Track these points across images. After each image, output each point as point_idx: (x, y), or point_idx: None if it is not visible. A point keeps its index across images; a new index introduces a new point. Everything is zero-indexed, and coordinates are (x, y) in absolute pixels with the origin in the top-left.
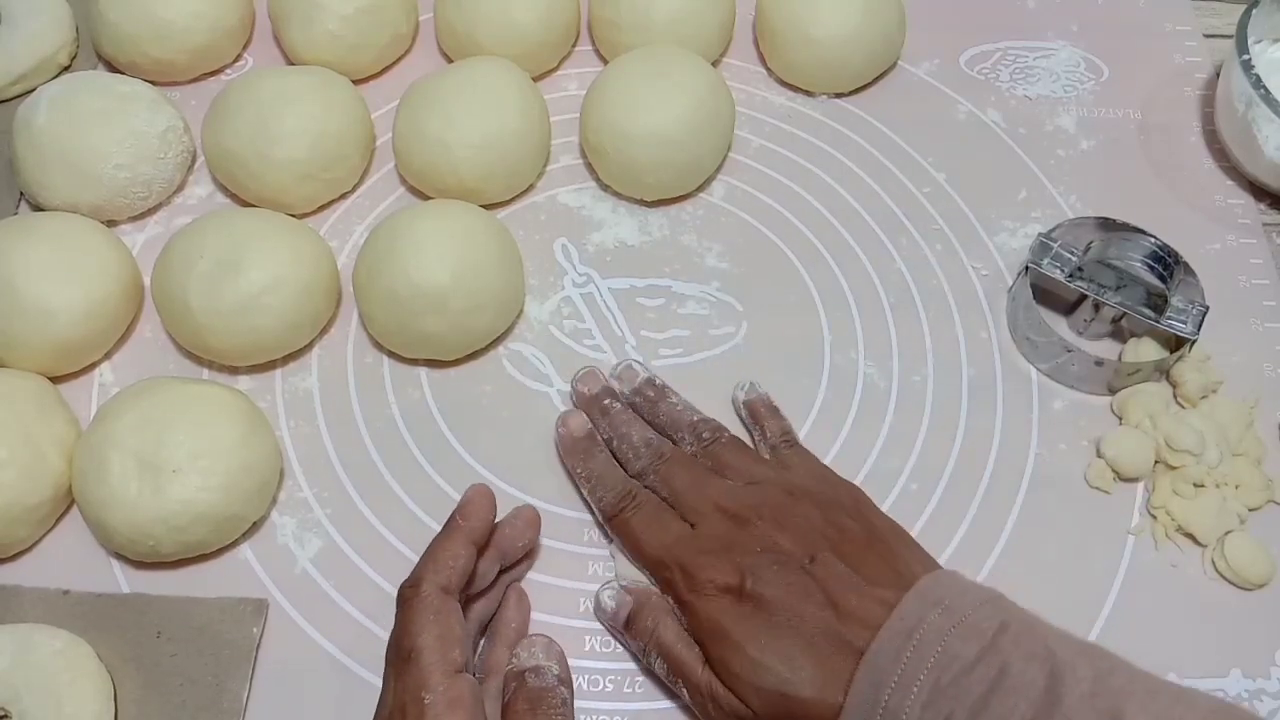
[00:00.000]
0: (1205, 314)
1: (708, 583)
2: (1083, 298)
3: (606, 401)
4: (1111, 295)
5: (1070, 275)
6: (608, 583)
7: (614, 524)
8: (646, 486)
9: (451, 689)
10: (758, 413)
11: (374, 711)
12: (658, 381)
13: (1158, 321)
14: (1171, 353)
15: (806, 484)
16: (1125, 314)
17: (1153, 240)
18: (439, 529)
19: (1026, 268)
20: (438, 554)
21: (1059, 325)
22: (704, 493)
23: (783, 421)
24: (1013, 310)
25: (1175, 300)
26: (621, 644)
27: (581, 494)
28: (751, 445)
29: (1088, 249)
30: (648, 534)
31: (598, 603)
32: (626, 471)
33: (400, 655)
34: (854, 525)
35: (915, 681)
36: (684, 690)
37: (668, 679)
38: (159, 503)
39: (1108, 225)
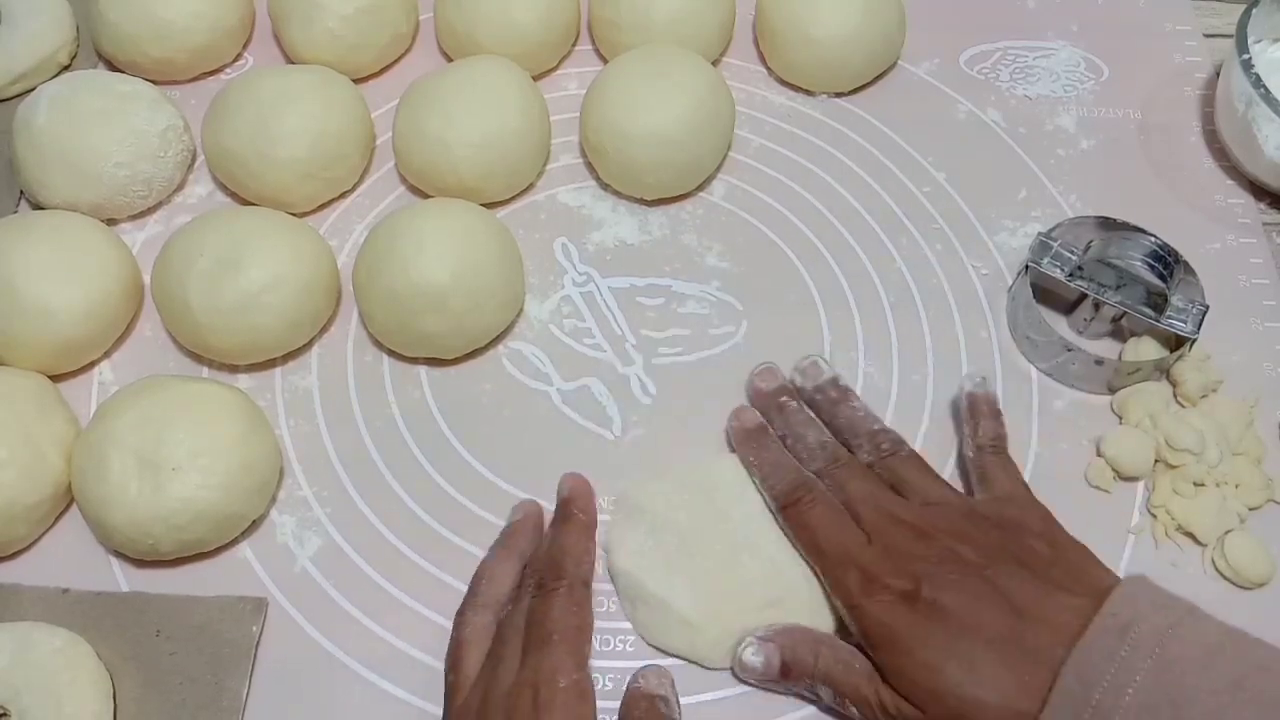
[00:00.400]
0: (1205, 313)
1: (883, 587)
2: (1083, 297)
3: (783, 399)
4: (1111, 294)
5: (1070, 274)
6: (743, 644)
7: (787, 513)
8: None
9: (584, 681)
10: (978, 409)
11: (447, 689)
12: (841, 382)
13: (1158, 320)
14: (1171, 352)
15: (989, 509)
16: (1125, 313)
17: (1153, 239)
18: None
19: (1026, 267)
20: (573, 549)
21: (1059, 324)
22: (880, 505)
23: (1000, 427)
24: (1012, 309)
25: (1175, 299)
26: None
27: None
28: (956, 440)
29: (1088, 248)
30: (825, 529)
31: (742, 664)
32: None
33: (536, 638)
34: (1039, 544)
35: (1131, 682)
36: (853, 709)
37: (835, 703)
38: (158, 501)
39: (1108, 224)
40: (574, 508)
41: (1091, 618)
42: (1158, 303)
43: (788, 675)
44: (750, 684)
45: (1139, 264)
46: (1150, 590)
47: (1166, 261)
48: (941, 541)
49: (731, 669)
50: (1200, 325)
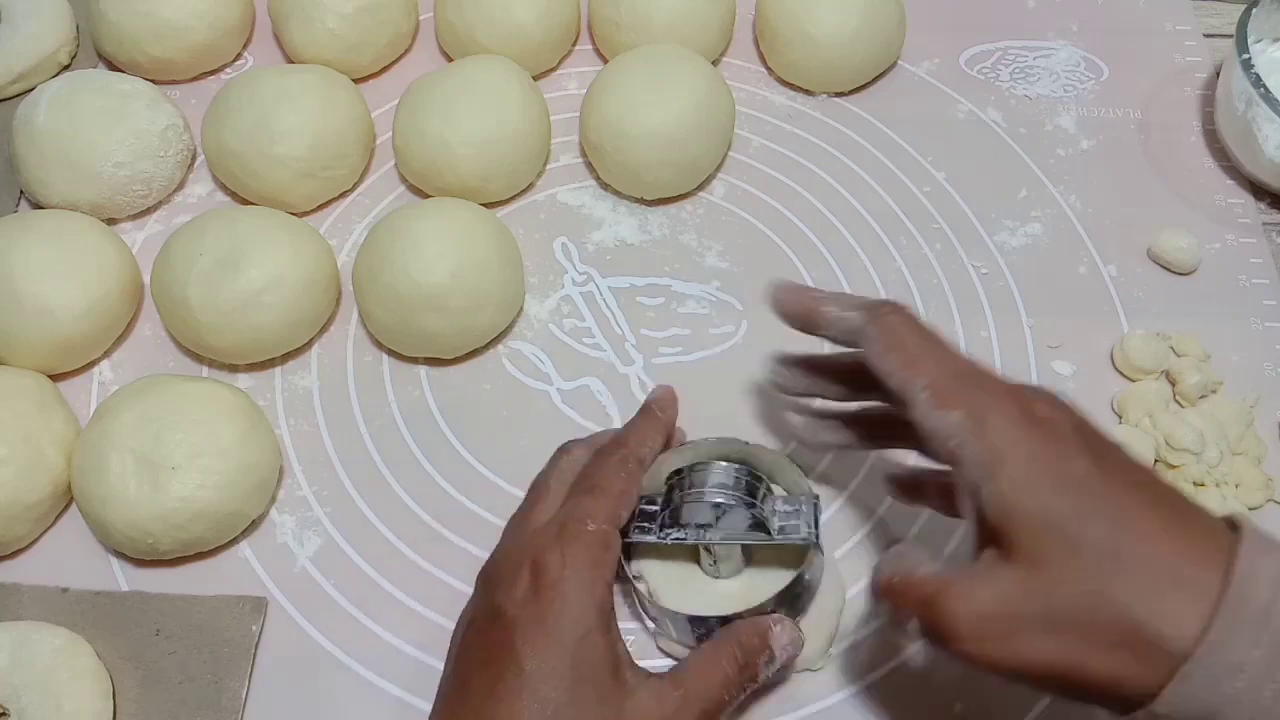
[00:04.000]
0: (817, 504)
1: (1012, 395)
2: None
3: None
4: (715, 532)
5: (662, 528)
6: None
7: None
8: None
9: (611, 534)
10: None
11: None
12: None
13: (773, 538)
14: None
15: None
16: (740, 544)
17: (720, 466)
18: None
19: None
20: (640, 431)
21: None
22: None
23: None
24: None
25: (780, 507)
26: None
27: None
28: None
29: (669, 493)
30: (915, 337)
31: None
32: None
33: (582, 487)
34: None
35: None
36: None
37: (893, 620)
38: (158, 500)
39: (687, 452)
40: (654, 407)
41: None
42: (763, 519)
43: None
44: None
45: (716, 497)
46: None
47: (741, 481)
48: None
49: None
50: (816, 522)
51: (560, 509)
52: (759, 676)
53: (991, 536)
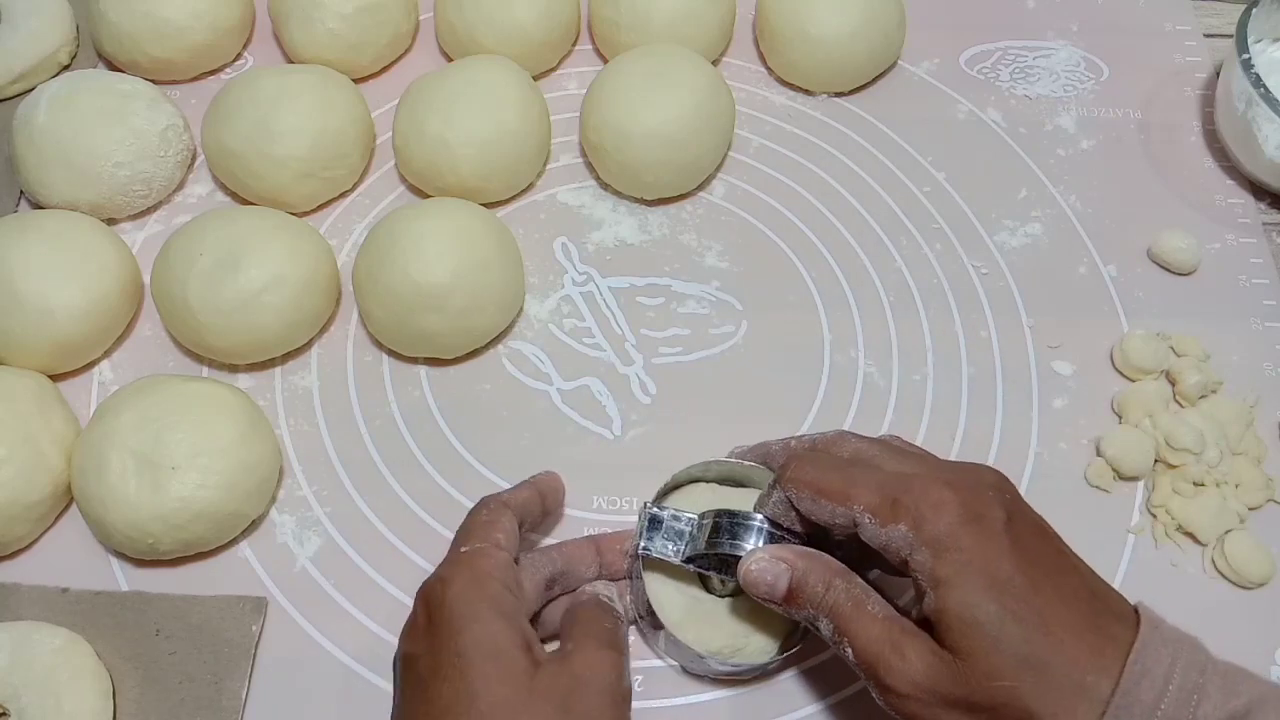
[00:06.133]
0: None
1: (940, 500)
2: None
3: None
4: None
5: (688, 558)
6: (752, 554)
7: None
8: None
9: (489, 549)
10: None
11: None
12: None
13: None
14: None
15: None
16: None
17: (757, 521)
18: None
19: (638, 549)
20: (510, 490)
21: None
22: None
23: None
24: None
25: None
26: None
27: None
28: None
29: (703, 527)
30: (829, 474)
31: (749, 575)
32: None
33: (457, 535)
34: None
35: (1196, 690)
36: (849, 651)
37: (833, 639)
38: (158, 500)
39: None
40: (533, 479)
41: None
42: None
43: (791, 601)
44: (754, 596)
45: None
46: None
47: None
48: (999, 486)
49: (737, 577)
50: None
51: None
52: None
53: (931, 620)
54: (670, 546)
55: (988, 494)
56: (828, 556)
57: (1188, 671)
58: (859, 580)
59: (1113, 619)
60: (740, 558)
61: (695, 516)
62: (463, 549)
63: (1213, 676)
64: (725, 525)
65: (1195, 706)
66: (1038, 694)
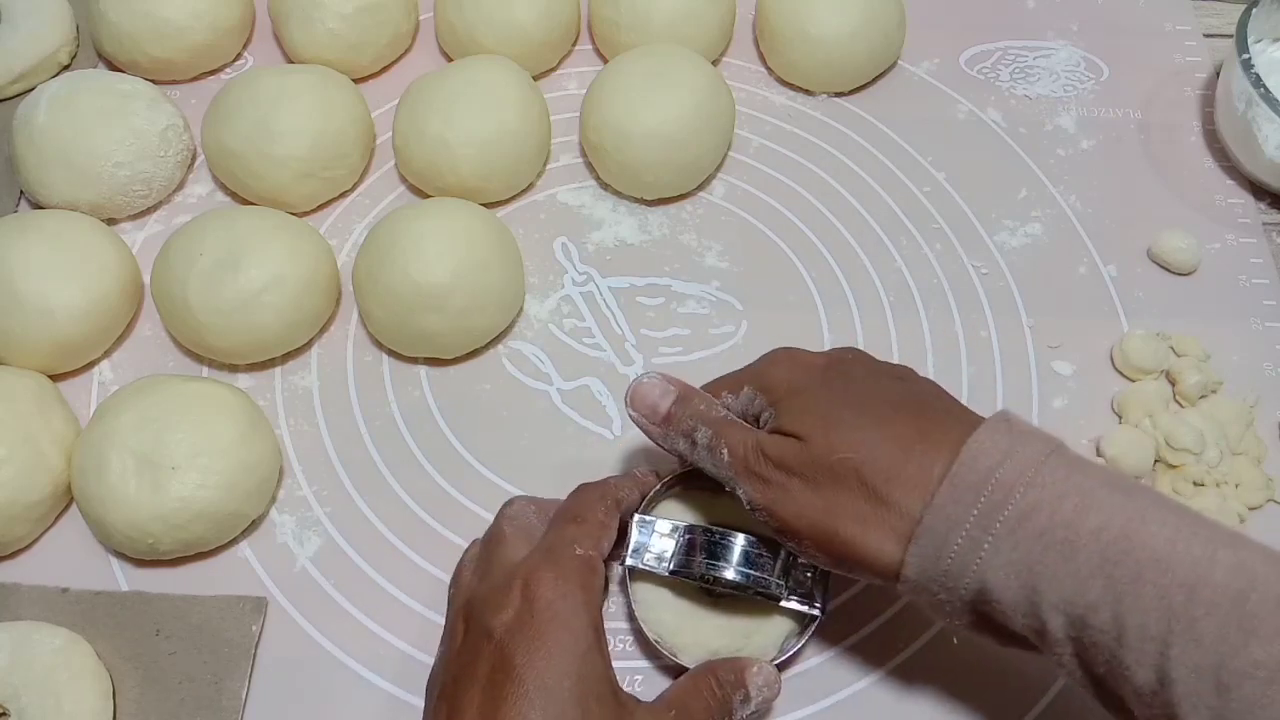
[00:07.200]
0: (828, 581)
1: (790, 356)
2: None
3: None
4: (728, 569)
5: (674, 569)
6: (642, 376)
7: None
8: None
9: (597, 560)
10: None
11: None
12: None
13: (780, 598)
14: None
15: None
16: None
17: (740, 543)
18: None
19: (625, 566)
20: (620, 482)
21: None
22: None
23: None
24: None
25: (793, 573)
26: (652, 439)
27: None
28: None
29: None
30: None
31: (636, 393)
32: None
33: (562, 518)
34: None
35: (1031, 465)
36: (724, 453)
37: (708, 448)
38: (158, 500)
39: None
40: (637, 471)
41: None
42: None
43: (669, 420)
44: (634, 419)
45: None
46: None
47: (755, 560)
48: (837, 350)
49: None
50: (826, 590)
51: (544, 538)
52: (734, 714)
53: (778, 429)
54: (656, 558)
55: (818, 355)
56: (694, 387)
57: (1029, 446)
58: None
59: (951, 420)
60: (718, 577)
61: (682, 525)
62: (576, 549)
63: (1059, 455)
64: (701, 543)
65: (1036, 473)
66: (870, 462)
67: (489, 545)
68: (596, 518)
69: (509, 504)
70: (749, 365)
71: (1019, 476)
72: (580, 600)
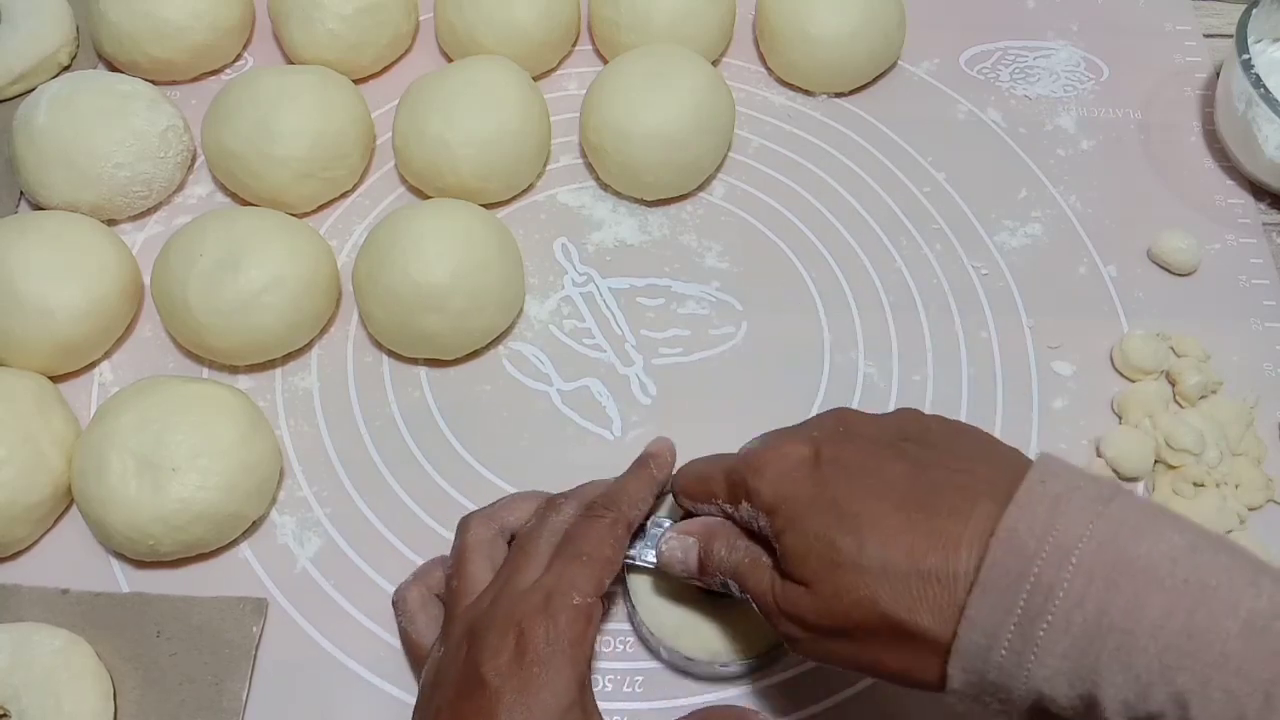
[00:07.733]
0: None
1: (778, 452)
2: None
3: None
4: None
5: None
6: (664, 535)
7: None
8: None
9: (594, 607)
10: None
11: (449, 593)
12: None
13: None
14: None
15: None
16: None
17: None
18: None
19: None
20: (633, 492)
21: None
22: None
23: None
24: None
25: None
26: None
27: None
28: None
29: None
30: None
31: (664, 557)
32: None
33: (568, 552)
34: (934, 421)
35: (1075, 549)
36: (754, 605)
37: (741, 597)
38: (158, 502)
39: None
40: (651, 463)
41: (1011, 486)
42: None
43: (704, 570)
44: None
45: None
46: (1070, 466)
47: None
48: (830, 424)
49: (655, 560)
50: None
51: (548, 573)
52: None
53: (783, 570)
54: (649, 554)
55: (798, 439)
56: (726, 522)
57: (1069, 519)
58: (752, 540)
59: (969, 496)
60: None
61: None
62: (575, 598)
63: (1105, 522)
64: (637, 532)
65: (1081, 556)
66: (886, 594)
67: (516, 552)
68: (604, 554)
69: (554, 508)
70: (735, 463)
71: (1059, 570)
72: (570, 655)
